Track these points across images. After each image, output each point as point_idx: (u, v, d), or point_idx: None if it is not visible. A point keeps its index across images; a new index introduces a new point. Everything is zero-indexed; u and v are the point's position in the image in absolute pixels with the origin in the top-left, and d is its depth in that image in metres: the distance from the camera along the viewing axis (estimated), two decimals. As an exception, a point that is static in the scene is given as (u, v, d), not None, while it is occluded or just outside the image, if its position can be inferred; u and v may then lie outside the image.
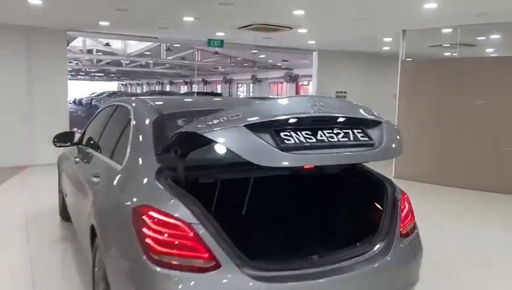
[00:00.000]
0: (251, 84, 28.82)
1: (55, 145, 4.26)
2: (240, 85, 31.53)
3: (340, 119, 2.16)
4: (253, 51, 13.91)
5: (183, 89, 36.08)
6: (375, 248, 2.32)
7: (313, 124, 2.07)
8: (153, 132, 2.68)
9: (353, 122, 2.19)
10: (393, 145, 2.21)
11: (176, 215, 2.03)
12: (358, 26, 8.21)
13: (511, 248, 4.68)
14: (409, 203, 2.61)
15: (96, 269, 2.73)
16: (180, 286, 1.95)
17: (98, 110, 4.35)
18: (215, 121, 1.95)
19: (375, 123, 2.24)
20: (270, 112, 2.03)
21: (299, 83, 24.28)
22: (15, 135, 8.61)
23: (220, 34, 9.63)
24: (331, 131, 2.10)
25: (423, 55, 11.50)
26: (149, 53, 15.51)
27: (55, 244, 4.58)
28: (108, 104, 4.04)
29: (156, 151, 2.50)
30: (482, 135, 7.34)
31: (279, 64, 21.35)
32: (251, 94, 28.52)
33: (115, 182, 2.63)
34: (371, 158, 2.20)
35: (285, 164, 1.95)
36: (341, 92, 13.05)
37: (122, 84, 51.53)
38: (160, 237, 2.02)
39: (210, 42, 10.44)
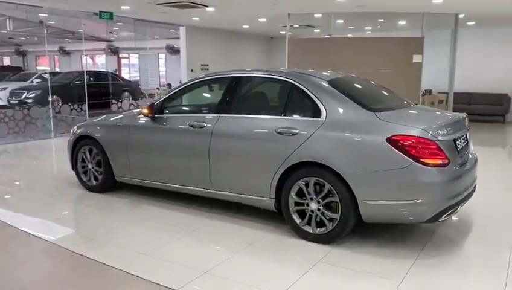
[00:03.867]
0: (56, 57, 26.43)
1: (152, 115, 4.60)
2: (38, 58, 28.33)
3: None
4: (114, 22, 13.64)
5: None
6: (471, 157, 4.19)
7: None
8: (338, 91, 3.85)
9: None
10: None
11: (423, 136, 3.42)
12: (262, 8, 9.71)
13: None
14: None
15: (311, 197, 3.74)
16: (430, 174, 3.39)
17: (195, 83, 4.69)
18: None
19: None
20: (458, 129, 3.80)
21: (120, 56, 23.86)
22: None
23: (125, 8, 9.62)
24: (463, 139, 3.90)
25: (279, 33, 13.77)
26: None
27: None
28: (222, 76, 4.57)
29: (355, 102, 3.73)
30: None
31: (110, 36, 20.71)
32: (57, 69, 26.08)
33: (326, 129, 3.65)
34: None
35: (459, 162, 3.68)
36: (205, 64, 14.35)
37: None
38: (419, 150, 3.39)
39: (101, 14, 10.18)
